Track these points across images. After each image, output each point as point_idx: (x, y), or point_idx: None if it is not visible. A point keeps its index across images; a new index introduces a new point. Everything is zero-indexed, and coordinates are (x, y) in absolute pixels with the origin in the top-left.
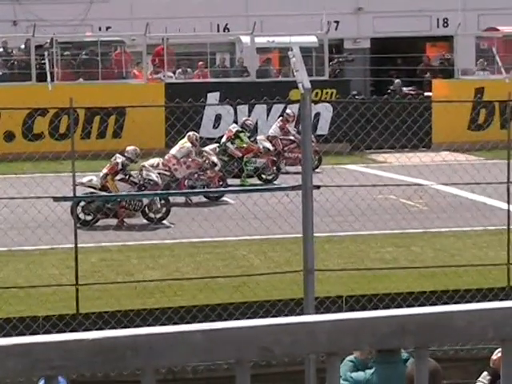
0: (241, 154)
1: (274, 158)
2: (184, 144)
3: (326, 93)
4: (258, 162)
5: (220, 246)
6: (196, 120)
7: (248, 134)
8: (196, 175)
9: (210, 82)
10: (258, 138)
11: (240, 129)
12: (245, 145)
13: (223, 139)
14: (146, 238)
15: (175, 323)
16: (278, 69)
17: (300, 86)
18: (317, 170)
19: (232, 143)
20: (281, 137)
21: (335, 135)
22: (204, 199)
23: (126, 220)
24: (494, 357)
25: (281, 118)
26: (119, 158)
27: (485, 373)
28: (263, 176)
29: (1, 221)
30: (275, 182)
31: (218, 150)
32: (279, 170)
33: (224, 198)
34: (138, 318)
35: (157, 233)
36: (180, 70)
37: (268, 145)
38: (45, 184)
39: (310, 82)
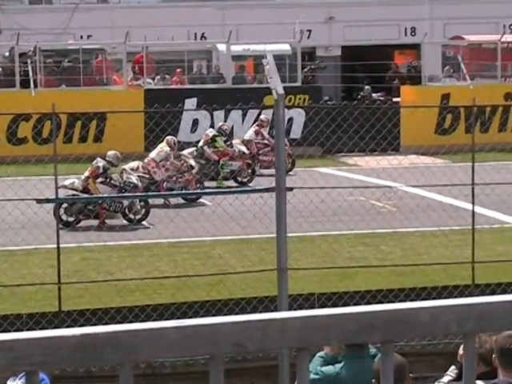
0: (217, 158)
1: (249, 161)
2: (163, 148)
3: (299, 98)
4: (233, 165)
5: (197, 246)
6: (174, 125)
7: (224, 139)
8: (174, 178)
9: (188, 89)
10: (234, 141)
11: (216, 133)
12: (221, 148)
13: (200, 143)
14: (126, 238)
15: (154, 320)
16: (253, 76)
17: (274, 92)
18: (290, 173)
19: (209, 147)
20: (256, 141)
21: (307, 139)
22: (182, 201)
23: (106, 221)
24: (461, 351)
25: (256, 123)
26: (100, 162)
27: (452, 367)
28: (239, 178)
29: None
30: (250, 185)
31: (195, 153)
32: (254, 173)
33: (201, 200)
34: (119, 316)
35: (136, 233)
36: (159, 77)
37: (243, 148)
38: (28, 186)
39: (284, 88)
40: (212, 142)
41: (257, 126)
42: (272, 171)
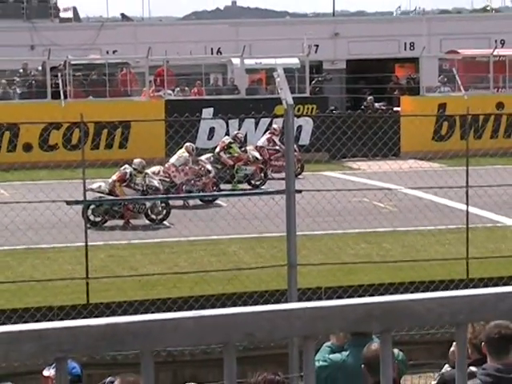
0: (232, 163)
1: (262, 166)
2: (182, 153)
3: (307, 108)
4: (247, 170)
5: (213, 244)
6: (192, 132)
7: (239, 145)
8: (192, 181)
9: (205, 99)
10: (248, 148)
11: (232, 140)
12: (236, 154)
13: (217, 149)
14: (148, 236)
15: (174, 312)
16: (265, 87)
17: (284, 102)
18: (299, 177)
19: (225, 153)
20: (268, 147)
21: (315, 145)
22: (199, 202)
23: (130, 221)
24: (452, 349)
25: (268, 131)
26: (128, 169)
27: (446, 365)
28: (252, 182)
29: (20, 222)
30: (263, 187)
31: (212, 158)
32: (266, 176)
33: (217, 202)
34: (142, 308)
35: (158, 232)
36: (178, 89)
37: (256, 154)
38: (58, 189)
39: (293, 98)
40: (228, 149)
41: (269, 133)
42: (282, 175)
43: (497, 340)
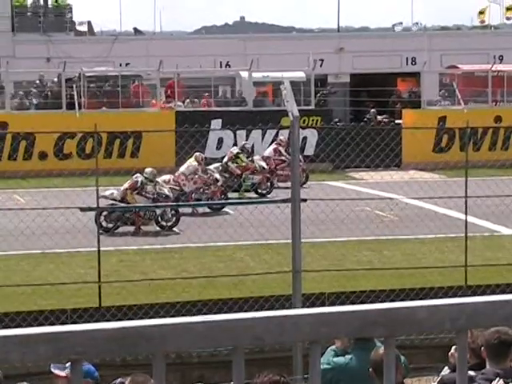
0: (240, 172)
1: (268, 175)
2: (191, 163)
3: (312, 120)
4: (254, 179)
5: (221, 250)
6: (202, 142)
7: (246, 155)
8: (201, 189)
9: (214, 111)
10: (255, 158)
11: (239, 151)
12: (243, 164)
13: (225, 159)
14: (158, 242)
15: (183, 315)
16: (272, 99)
17: (290, 114)
18: (304, 186)
19: (232, 162)
20: (274, 157)
21: (319, 156)
22: (208, 210)
23: (141, 227)
24: (452, 351)
25: (275, 142)
26: (139, 177)
27: (445, 367)
28: (259, 190)
29: (35, 227)
30: (269, 196)
31: (220, 168)
32: (272, 186)
33: (225, 209)
34: (152, 311)
35: (168, 238)
36: (188, 100)
37: (263, 164)
38: (72, 196)
39: (298, 110)
40: (235, 159)
41: (276, 144)
42: (288, 184)
43: (496, 345)
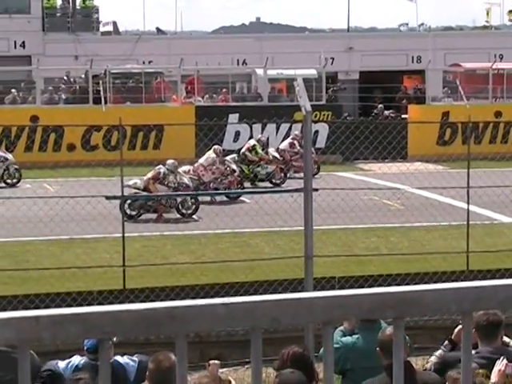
0: (257, 159)
1: (282, 166)
2: (210, 155)
3: (324, 114)
4: (268, 168)
5: (238, 236)
6: (219, 135)
7: (261, 148)
8: (219, 179)
9: (231, 106)
10: (269, 150)
11: (256, 143)
12: (259, 154)
13: (243, 149)
14: (179, 229)
15: (202, 297)
16: (285, 95)
17: (303, 109)
18: (316, 176)
19: (250, 153)
20: (288, 150)
21: (330, 148)
22: (225, 199)
23: (163, 215)
24: (456, 330)
25: (291, 136)
26: (162, 169)
27: (446, 341)
28: (273, 180)
29: (64, 215)
30: (282, 186)
31: (236, 158)
32: (286, 176)
33: (241, 198)
34: (173, 293)
35: (187, 225)
36: (207, 96)
37: (276, 154)
38: (98, 186)
39: (311, 105)
40: (252, 150)
41: (291, 139)
42: (301, 175)
43: (486, 326)
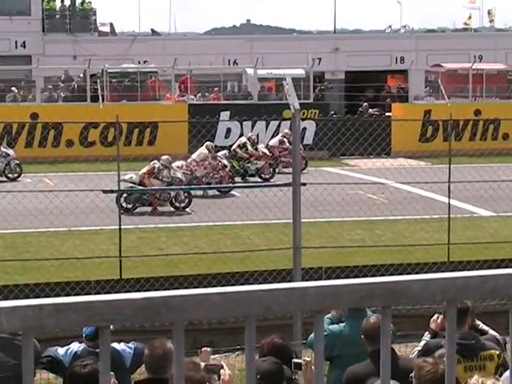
0: (247, 156)
1: (271, 162)
2: (202, 151)
3: (311, 112)
4: (258, 164)
5: (229, 229)
6: (212, 132)
7: (252, 145)
8: (211, 174)
9: (223, 104)
10: (259, 146)
11: (246, 140)
12: (249, 151)
13: (234, 146)
14: (172, 221)
15: (195, 287)
16: (275, 94)
17: (292, 107)
18: (304, 171)
19: (240, 149)
20: (278, 146)
21: (318, 145)
22: (217, 193)
23: (158, 208)
24: (433, 321)
25: (281, 134)
26: (156, 164)
27: (426, 332)
28: (263, 175)
29: (63, 207)
30: (271, 180)
31: (227, 154)
32: (275, 171)
33: (232, 192)
34: (167, 283)
35: (181, 218)
36: (200, 94)
37: (266, 151)
38: (96, 180)
39: (299, 104)
40: (243, 147)
41: (281, 136)
42: (290, 170)
43: None
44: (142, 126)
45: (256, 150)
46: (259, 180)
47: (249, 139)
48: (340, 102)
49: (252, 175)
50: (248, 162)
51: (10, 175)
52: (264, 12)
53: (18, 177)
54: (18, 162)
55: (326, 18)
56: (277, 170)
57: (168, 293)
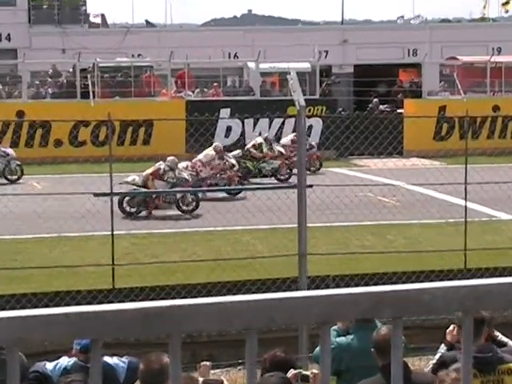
0: (261, 156)
1: (287, 161)
2: (209, 152)
3: (317, 109)
4: (274, 163)
5: (229, 234)
6: (211, 131)
7: (268, 147)
8: (218, 175)
9: (223, 100)
10: (274, 145)
11: (263, 141)
12: (264, 153)
13: (248, 146)
14: (168, 227)
15: (193, 297)
16: (278, 89)
17: (296, 103)
18: (319, 172)
19: (255, 150)
20: (289, 145)
21: (324, 144)
22: (226, 195)
23: (160, 211)
24: (449, 332)
25: (294, 134)
26: (162, 165)
27: (442, 345)
28: (278, 176)
29: (51, 212)
30: (290, 181)
31: (240, 154)
32: (291, 171)
33: (240, 195)
34: (163, 292)
35: (179, 223)
36: (198, 90)
37: (281, 149)
38: (87, 182)
39: (304, 100)
40: (258, 148)
41: (294, 136)
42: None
43: None
44: (136, 125)
45: (271, 149)
46: (274, 181)
47: (265, 140)
48: (348, 98)
49: (266, 176)
50: (263, 162)
51: (9, 177)
52: (266, 1)
53: (19, 179)
54: (18, 162)
55: (333, 8)
56: (293, 170)
57: (164, 303)
